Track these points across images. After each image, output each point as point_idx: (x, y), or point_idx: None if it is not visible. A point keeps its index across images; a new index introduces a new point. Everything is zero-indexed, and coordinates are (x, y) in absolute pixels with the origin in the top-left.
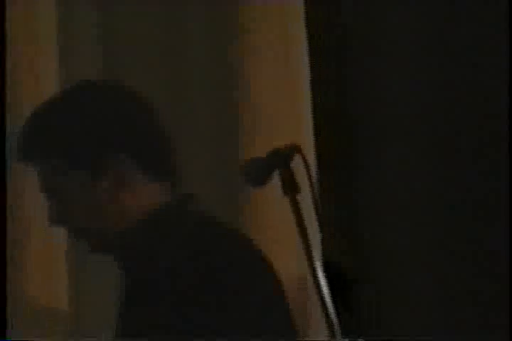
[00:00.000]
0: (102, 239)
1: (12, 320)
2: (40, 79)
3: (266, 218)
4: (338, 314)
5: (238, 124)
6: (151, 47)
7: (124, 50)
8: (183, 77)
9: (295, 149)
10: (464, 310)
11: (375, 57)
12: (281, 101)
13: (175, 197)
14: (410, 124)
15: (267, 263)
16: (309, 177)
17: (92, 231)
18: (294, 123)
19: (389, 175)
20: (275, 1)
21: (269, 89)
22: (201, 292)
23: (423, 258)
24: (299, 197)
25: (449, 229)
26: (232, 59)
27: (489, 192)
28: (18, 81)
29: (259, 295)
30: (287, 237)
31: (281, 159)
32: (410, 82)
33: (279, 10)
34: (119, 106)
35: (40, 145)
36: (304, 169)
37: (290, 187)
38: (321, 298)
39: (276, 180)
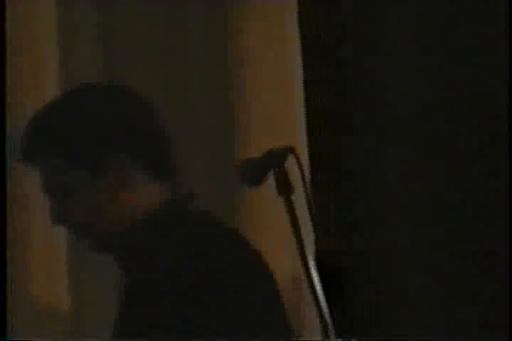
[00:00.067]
0: (102, 239)
1: (12, 320)
2: (40, 79)
3: (261, 218)
4: (331, 314)
5: (234, 124)
6: (151, 47)
7: (124, 50)
8: (183, 77)
9: (289, 150)
10: (463, 310)
11: (375, 57)
12: (276, 101)
13: (175, 197)
14: (410, 124)
15: (265, 263)
16: (303, 178)
17: (93, 231)
18: (288, 124)
19: (389, 175)
20: (273, 1)
21: (264, 89)
22: (201, 292)
23: (423, 258)
24: (293, 197)
25: (449, 229)
26: (230, 59)
27: (489, 192)
28: (18, 81)
29: (259, 295)
30: (282, 237)
31: (275, 160)
32: (410, 82)
33: (276, 10)
34: (119, 107)
35: (41, 146)
36: (298, 169)
37: (284, 187)
38: (315, 298)
39: (270, 181)
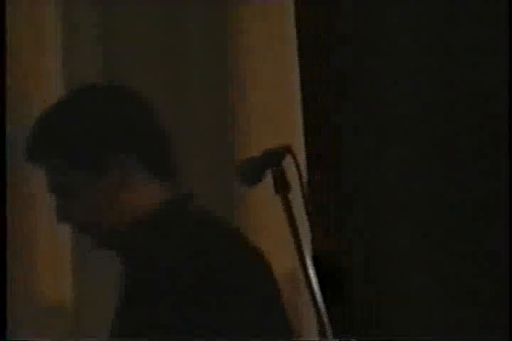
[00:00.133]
0: (103, 239)
1: (12, 320)
2: (40, 79)
3: (258, 217)
4: (329, 314)
5: (233, 124)
6: (151, 47)
7: (124, 50)
8: (183, 77)
9: (286, 149)
10: (464, 310)
11: (375, 57)
12: (276, 101)
13: (175, 197)
14: (410, 124)
15: (265, 262)
16: (300, 177)
17: (93, 231)
18: (288, 123)
19: (389, 175)
20: (273, 1)
21: (264, 89)
22: (201, 292)
23: (423, 258)
24: (290, 196)
25: (449, 229)
26: (230, 59)
27: (489, 192)
28: (18, 81)
29: (259, 295)
30: (279, 236)
31: (273, 159)
32: (410, 82)
33: (276, 10)
34: (120, 107)
35: (46, 146)
36: (295, 169)
37: (281, 186)
38: (313, 298)
39: (268, 179)
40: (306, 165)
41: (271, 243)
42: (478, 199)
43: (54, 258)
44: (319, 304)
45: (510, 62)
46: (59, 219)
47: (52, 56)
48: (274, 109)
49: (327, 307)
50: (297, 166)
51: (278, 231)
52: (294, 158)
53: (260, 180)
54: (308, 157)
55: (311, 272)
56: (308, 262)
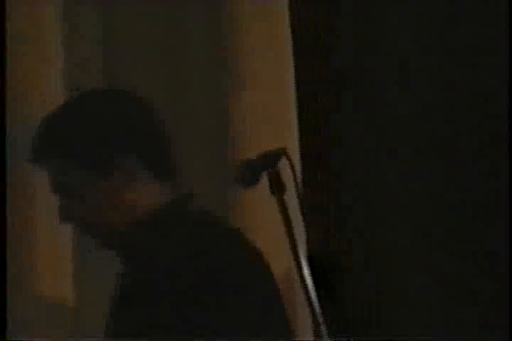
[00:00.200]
0: (102, 239)
1: (12, 320)
2: (40, 79)
3: (254, 217)
4: (324, 314)
5: (233, 124)
6: (151, 47)
7: (124, 50)
8: (183, 77)
9: (282, 152)
10: (463, 310)
11: (375, 57)
12: (276, 101)
13: (175, 197)
14: (410, 124)
15: (265, 262)
16: (294, 178)
17: (94, 231)
18: (286, 124)
19: (389, 175)
20: (273, 1)
21: (264, 89)
22: (201, 292)
23: (423, 258)
24: (285, 197)
25: (449, 229)
26: (230, 59)
27: (489, 192)
28: (18, 81)
29: (259, 295)
30: (275, 237)
31: (268, 161)
32: (410, 82)
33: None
34: (120, 107)
35: (50, 147)
36: (290, 170)
37: (277, 187)
38: (308, 298)
39: (264, 181)
40: (306, 165)
41: (266, 243)
42: (478, 199)
43: (54, 258)
44: (314, 304)
45: (510, 62)
46: (61, 219)
47: (52, 56)
48: (274, 109)
49: (322, 307)
50: (292, 168)
51: (273, 231)
52: (289, 160)
53: (256, 182)
54: (308, 157)
55: (306, 272)
56: (303, 262)
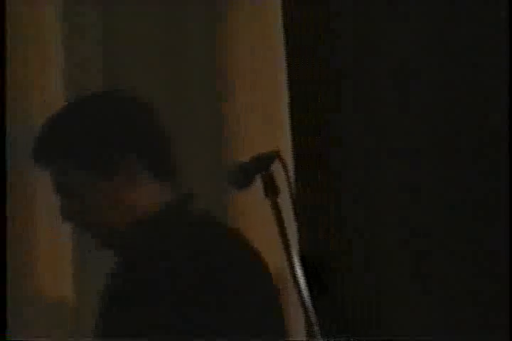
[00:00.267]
0: (102, 239)
1: (12, 320)
2: (40, 79)
3: (248, 218)
4: (317, 313)
5: (233, 124)
6: (151, 47)
7: (124, 50)
8: (183, 77)
9: (275, 154)
10: (464, 310)
11: (375, 57)
12: (277, 101)
13: (175, 197)
14: (410, 124)
15: (264, 263)
16: (288, 180)
17: (94, 231)
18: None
19: (389, 175)
20: (273, 1)
21: (264, 89)
22: (201, 292)
23: (423, 258)
24: (279, 200)
25: (449, 229)
26: (230, 59)
27: (489, 192)
28: (18, 81)
29: (259, 295)
30: (268, 238)
31: (262, 164)
32: (410, 82)
33: (276, 10)
34: (120, 107)
35: (54, 147)
36: (283, 173)
37: (271, 190)
38: (300, 298)
39: (258, 183)
40: (300, 165)
41: (259, 243)
42: (478, 199)
43: (54, 258)
44: (307, 304)
45: (510, 62)
46: (63, 219)
47: (52, 56)
48: (274, 108)
49: (315, 307)
50: (285, 170)
51: (266, 231)
52: (283, 162)
53: (250, 185)
54: (303, 157)
55: (299, 272)
56: (296, 262)
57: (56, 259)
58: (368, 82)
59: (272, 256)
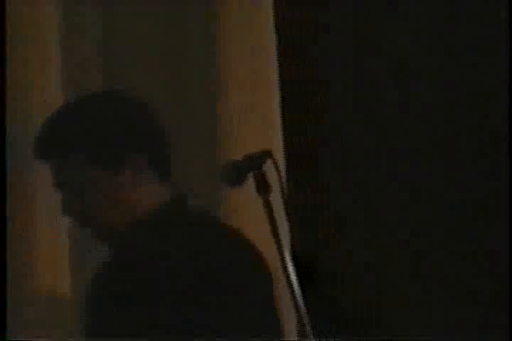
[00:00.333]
0: (102, 239)
1: (12, 320)
2: (40, 79)
3: (241, 217)
4: (309, 313)
5: (233, 124)
6: (151, 47)
7: (124, 50)
8: (183, 77)
9: (267, 154)
10: (464, 310)
11: (375, 57)
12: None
13: (175, 197)
14: (410, 124)
15: (264, 263)
16: (279, 179)
17: (93, 231)
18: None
19: (389, 175)
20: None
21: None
22: (201, 292)
23: (423, 258)
24: (271, 198)
25: (449, 229)
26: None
27: (489, 192)
28: (18, 81)
29: (259, 295)
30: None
31: (254, 162)
32: (410, 82)
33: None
34: (120, 107)
35: (54, 147)
36: (275, 172)
37: (263, 188)
38: (293, 297)
39: (250, 182)
40: (306, 166)
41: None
42: (478, 199)
43: (54, 258)
44: (299, 304)
45: (510, 62)
46: (63, 213)
47: (52, 56)
48: (274, 108)
49: (307, 307)
50: (277, 170)
51: (259, 230)
52: (274, 162)
53: (242, 183)
54: (294, 157)
55: (292, 272)
56: (289, 262)
57: (56, 259)
58: (368, 82)
59: (264, 255)
